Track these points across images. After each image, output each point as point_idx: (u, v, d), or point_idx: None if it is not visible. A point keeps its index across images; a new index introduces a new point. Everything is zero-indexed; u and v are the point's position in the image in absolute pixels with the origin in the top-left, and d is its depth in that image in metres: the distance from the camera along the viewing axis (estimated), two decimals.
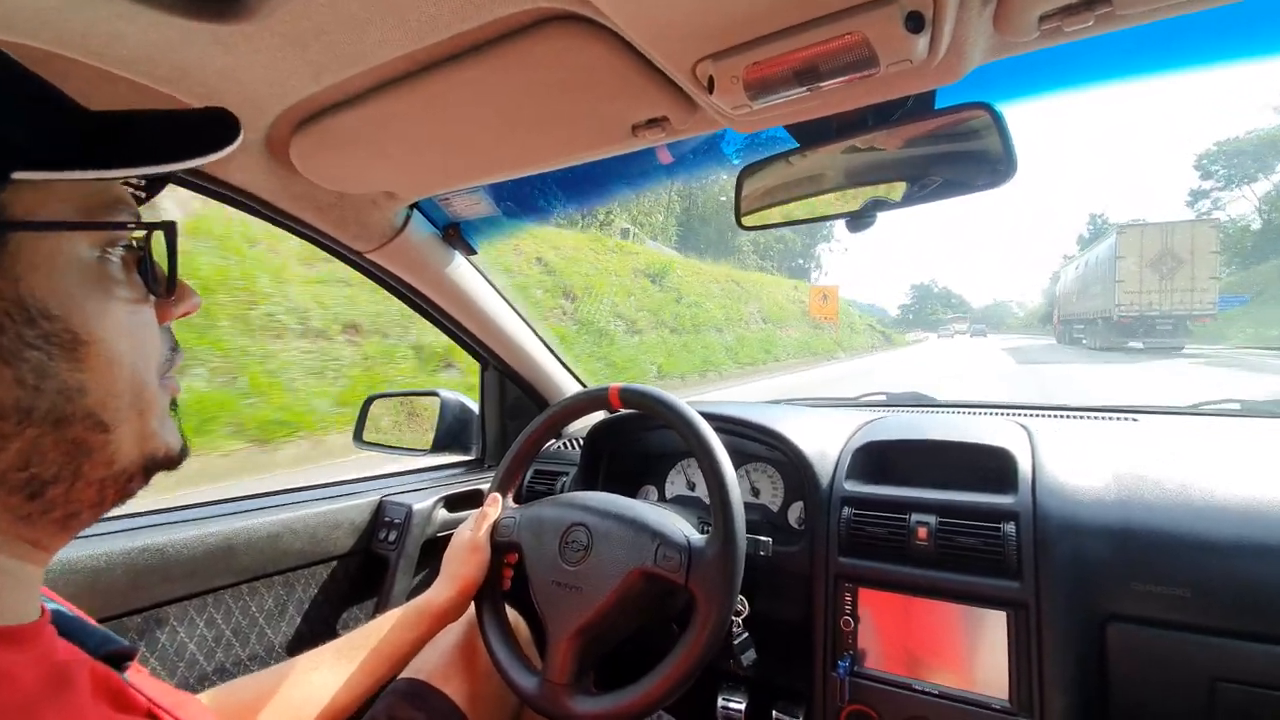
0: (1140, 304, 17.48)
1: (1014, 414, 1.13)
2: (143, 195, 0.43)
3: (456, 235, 1.14)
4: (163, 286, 0.40)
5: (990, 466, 0.90)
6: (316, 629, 1.06)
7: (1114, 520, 0.78)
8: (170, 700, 0.43)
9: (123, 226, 0.37)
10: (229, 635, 0.94)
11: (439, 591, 0.81)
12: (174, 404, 0.42)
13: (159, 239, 0.40)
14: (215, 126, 0.40)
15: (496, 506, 0.91)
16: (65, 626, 0.38)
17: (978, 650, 0.80)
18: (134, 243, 0.39)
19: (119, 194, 0.38)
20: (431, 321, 1.28)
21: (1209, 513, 0.75)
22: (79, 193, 0.35)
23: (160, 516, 0.92)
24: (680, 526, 0.78)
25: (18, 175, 0.31)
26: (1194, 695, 0.71)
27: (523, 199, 1.12)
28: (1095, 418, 1.10)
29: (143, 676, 0.43)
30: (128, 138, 0.37)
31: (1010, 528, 0.80)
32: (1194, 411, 1.15)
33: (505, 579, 0.90)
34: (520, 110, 0.70)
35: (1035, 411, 1.16)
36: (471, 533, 0.87)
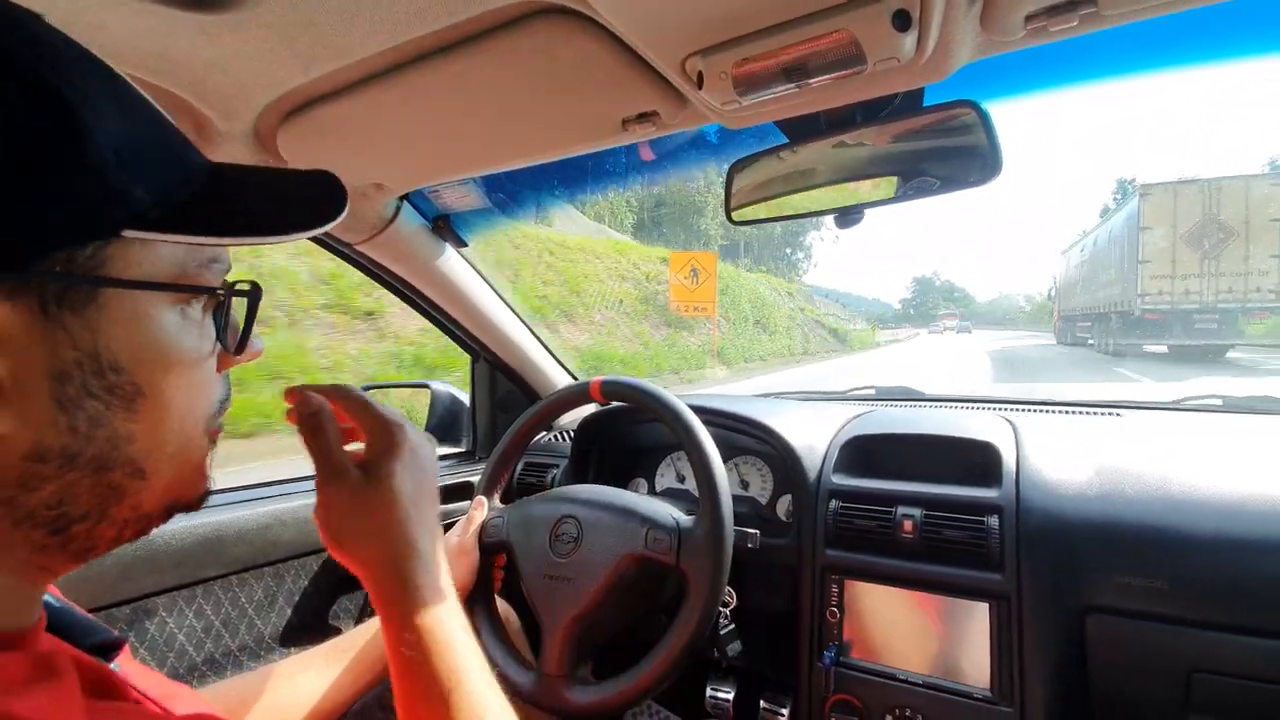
0: (1172, 293, 12.38)
1: (1000, 408, 1.15)
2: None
3: (446, 227, 1.14)
4: (234, 342, 0.40)
5: (975, 460, 0.91)
6: (306, 620, 1.06)
7: (1095, 514, 0.79)
8: (161, 691, 0.43)
9: (212, 291, 0.37)
10: (218, 626, 0.94)
11: None
12: (213, 443, 0.42)
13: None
14: (324, 192, 0.41)
15: (483, 509, 0.91)
16: (54, 618, 0.38)
17: (961, 641, 0.81)
18: (220, 293, 0.38)
19: (215, 250, 0.38)
20: (422, 313, 1.28)
21: (1188, 507, 0.76)
22: (179, 249, 0.35)
23: None
24: (669, 511, 0.79)
25: (128, 234, 0.31)
26: (1171, 685, 0.73)
27: (514, 192, 1.12)
28: (1079, 412, 1.11)
29: (134, 667, 0.43)
30: (237, 199, 0.37)
31: (994, 521, 0.82)
32: (1176, 407, 1.17)
33: (496, 579, 0.91)
34: (510, 103, 0.70)
35: (1020, 406, 1.17)
36: (459, 537, 0.87)
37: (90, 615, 0.43)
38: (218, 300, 0.39)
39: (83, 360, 0.31)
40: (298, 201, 0.40)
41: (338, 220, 0.40)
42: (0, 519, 0.31)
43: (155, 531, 0.85)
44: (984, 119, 0.66)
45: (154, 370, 0.34)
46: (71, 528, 0.33)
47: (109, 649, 0.40)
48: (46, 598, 0.40)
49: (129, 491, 0.35)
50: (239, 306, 0.41)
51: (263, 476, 1.14)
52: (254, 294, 0.41)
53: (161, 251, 0.34)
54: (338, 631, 1.11)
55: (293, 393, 0.53)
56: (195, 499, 0.40)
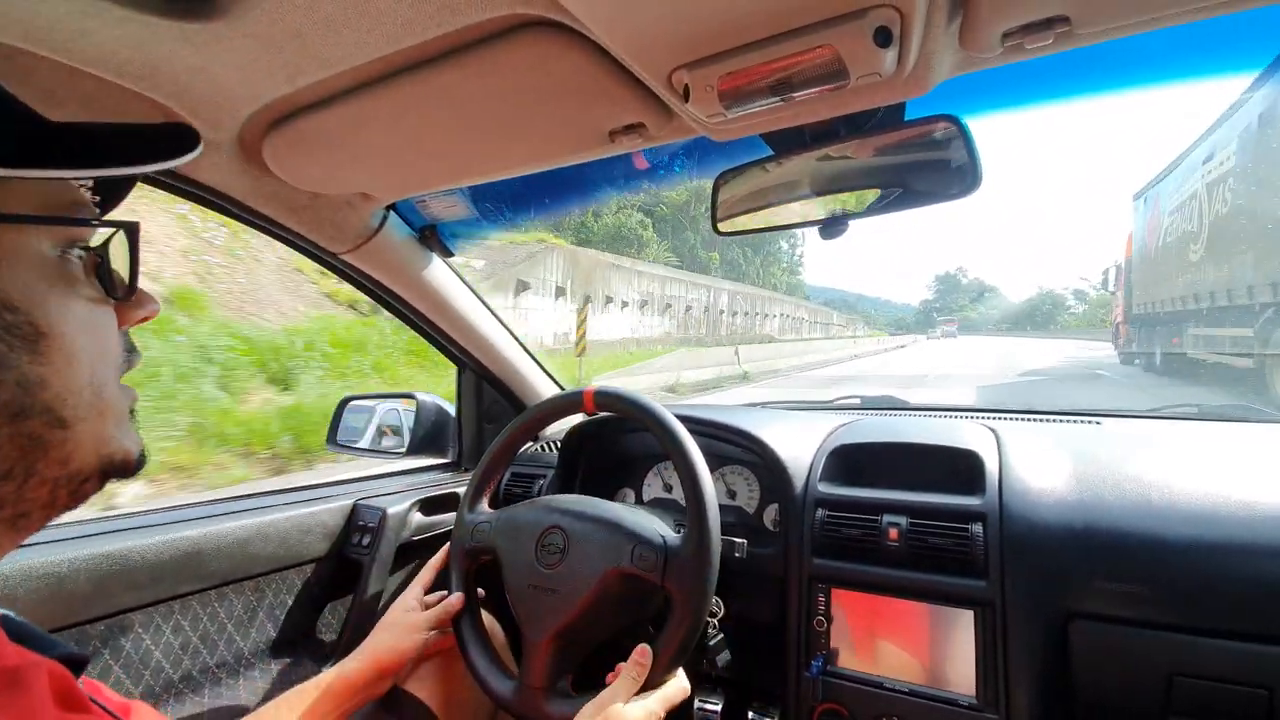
0: None
1: (983, 417, 1.16)
2: (97, 200, 0.43)
3: (433, 237, 1.14)
4: (122, 289, 0.40)
5: (959, 468, 0.92)
6: (287, 635, 1.05)
7: (1076, 520, 0.80)
8: (112, 704, 0.43)
9: (86, 223, 0.37)
10: (196, 642, 0.92)
11: (352, 665, 0.78)
12: (132, 410, 0.41)
13: (119, 246, 0.40)
14: (175, 137, 0.41)
15: (433, 572, 0.91)
16: (16, 632, 0.37)
17: (946, 648, 0.82)
18: (93, 246, 0.38)
19: (78, 197, 0.38)
20: (408, 324, 1.27)
21: (1165, 513, 0.77)
22: (40, 192, 0.35)
23: (125, 521, 0.90)
24: (656, 527, 0.79)
25: None
26: (1153, 690, 0.74)
27: (501, 202, 1.12)
28: (1060, 421, 1.13)
29: (91, 685, 0.43)
30: (87, 143, 0.37)
31: (978, 528, 0.82)
32: (1153, 415, 1.19)
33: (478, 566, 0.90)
34: (497, 114, 0.70)
35: (1003, 415, 1.19)
36: (415, 605, 0.86)
37: (64, 633, 0.42)
38: (95, 257, 0.38)
39: None
40: (144, 141, 0.40)
41: (187, 158, 0.40)
42: None
43: (130, 546, 0.85)
44: (964, 133, 0.67)
45: (49, 310, 0.34)
46: None
47: (71, 666, 0.39)
48: (7, 613, 0.40)
49: (52, 444, 0.34)
50: (119, 263, 0.41)
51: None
52: (130, 228, 0.40)
53: (20, 192, 0.34)
54: (322, 645, 1.09)
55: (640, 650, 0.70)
56: (129, 461, 0.39)
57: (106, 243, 0.40)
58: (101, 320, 0.38)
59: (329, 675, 0.76)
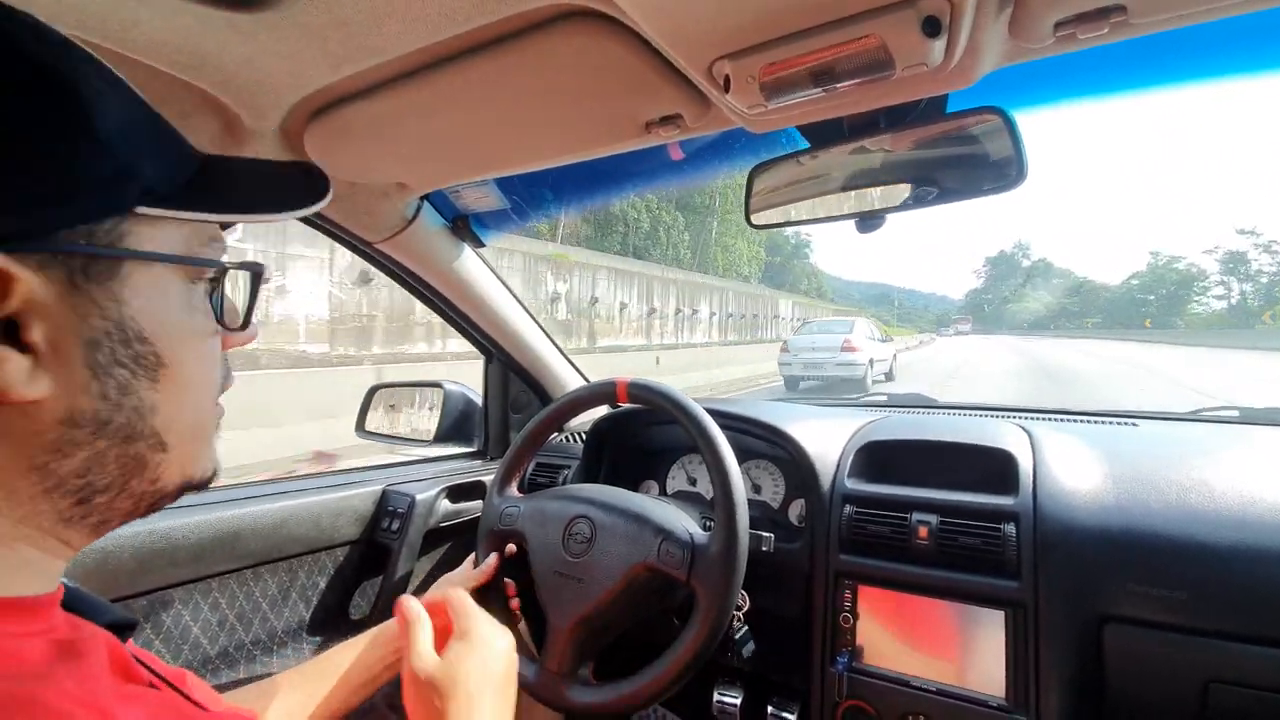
0: None
1: (1016, 417, 1.14)
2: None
3: (465, 228, 1.15)
4: (239, 319, 0.43)
5: (992, 468, 0.90)
6: (318, 615, 1.07)
7: (1113, 523, 0.79)
8: (164, 671, 0.44)
9: (223, 266, 0.40)
10: (232, 620, 0.95)
11: (372, 650, 0.73)
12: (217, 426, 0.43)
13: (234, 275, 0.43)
14: (305, 177, 0.44)
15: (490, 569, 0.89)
16: (70, 598, 0.39)
17: (976, 648, 0.81)
18: (215, 275, 0.41)
19: (215, 233, 0.40)
20: (438, 312, 1.29)
21: (1207, 517, 0.76)
22: (185, 228, 0.37)
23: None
24: (684, 523, 0.79)
25: (140, 210, 0.34)
26: (1188, 696, 0.72)
27: (532, 193, 1.13)
28: (1095, 422, 1.11)
29: (146, 655, 0.44)
30: (231, 182, 0.40)
31: (1010, 528, 0.81)
32: (1193, 418, 1.16)
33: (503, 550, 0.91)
34: (535, 105, 0.70)
35: (1037, 414, 1.16)
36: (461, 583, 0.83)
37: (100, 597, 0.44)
38: (214, 283, 0.41)
39: (111, 330, 0.33)
40: (286, 185, 0.43)
41: (326, 201, 0.43)
42: (33, 485, 0.32)
43: (172, 525, 0.87)
44: (1009, 125, 0.66)
45: (173, 342, 0.36)
46: (94, 499, 0.35)
47: (122, 629, 0.41)
48: (61, 579, 0.41)
49: (149, 464, 0.36)
50: (232, 289, 0.44)
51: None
52: (257, 270, 0.43)
53: (169, 229, 0.36)
54: (352, 624, 1.11)
55: (398, 604, 0.62)
56: (206, 478, 0.41)
57: (225, 272, 0.42)
58: (212, 350, 0.40)
59: (357, 648, 0.73)
